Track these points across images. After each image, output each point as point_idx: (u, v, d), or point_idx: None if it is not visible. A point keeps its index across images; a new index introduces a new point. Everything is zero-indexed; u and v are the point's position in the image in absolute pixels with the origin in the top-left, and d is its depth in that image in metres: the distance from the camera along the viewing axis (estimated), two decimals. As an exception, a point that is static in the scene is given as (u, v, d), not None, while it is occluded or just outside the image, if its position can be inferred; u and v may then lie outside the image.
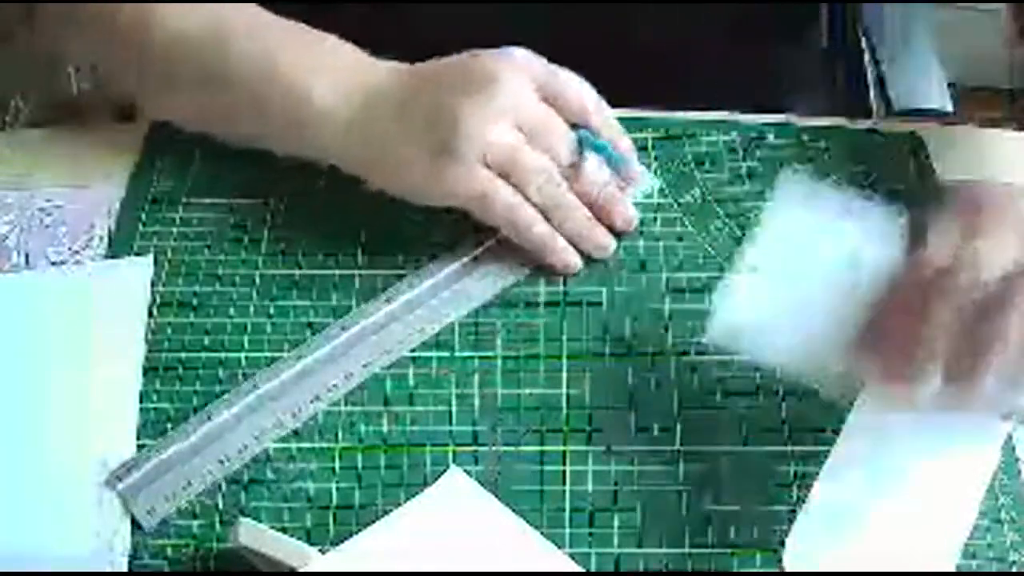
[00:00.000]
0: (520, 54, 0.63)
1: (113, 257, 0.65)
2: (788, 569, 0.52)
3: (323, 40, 0.66)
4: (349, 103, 0.63)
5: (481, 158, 0.61)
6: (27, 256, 0.66)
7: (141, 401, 0.60)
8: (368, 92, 0.63)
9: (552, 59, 0.71)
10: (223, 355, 0.62)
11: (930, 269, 0.51)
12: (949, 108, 0.87)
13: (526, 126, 0.62)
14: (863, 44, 0.92)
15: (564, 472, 0.58)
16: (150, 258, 0.65)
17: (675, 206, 0.68)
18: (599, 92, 0.71)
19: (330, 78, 0.64)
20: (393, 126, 0.63)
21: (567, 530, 0.56)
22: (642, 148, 0.70)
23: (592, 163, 0.64)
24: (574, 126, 0.64)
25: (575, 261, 0.64)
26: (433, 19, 0.76)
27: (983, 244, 0.52)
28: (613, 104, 0.72)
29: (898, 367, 0.51)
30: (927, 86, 0.89)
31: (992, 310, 0.49)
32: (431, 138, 0.61)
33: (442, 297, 0.63)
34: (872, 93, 0.90)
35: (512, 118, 0.62)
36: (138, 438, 0.58)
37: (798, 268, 0.56)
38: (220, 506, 0.56)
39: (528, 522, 0.55)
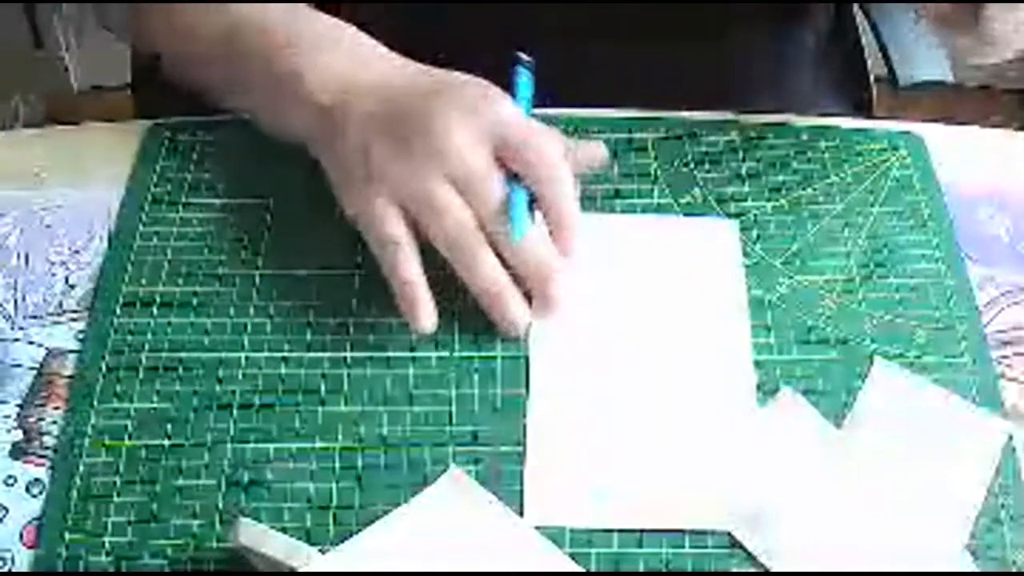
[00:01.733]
0: (499, 101, 0.61)
1: (113, 257, 0.65)
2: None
3: (327, 27, 0.66)
4: (329, 91, 0.63)
5: (394, 192, 0.60)
6: (27, 256, 0.66)
7: (141, 401, 0.60)
8: (352, 86, 0.63)
9: (552, 58, 0.71)
10: (223, 355, 0.62)
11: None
12: (951, 78, 0.88)
13: (458, 173, 0.59)
14: (864, 26, 0.93)
15: (564, 472, 0.58)
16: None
17: (675, 206, 0.68)
18: (599, 91, 0.71)
19: (322, 64, 0.64)
20: (356, 126, 0.62)
21: (567, 530, 0.56)
22: (642, 148, 0.71)
23: (528, 228, 0.60)
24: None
25: (429, 322, 0.60)
26: (437, 20, 0.76)
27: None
28: (614, 104, 0.73)
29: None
30: (929, 58, 0.89)
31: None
32: (365, 156, 0.61)
33: None
34: (871, 79, 0.90)
35: (445, 165, 0.59)
36: (138, 439, 0.58)
37: None
38: (220, 506, 0.56)
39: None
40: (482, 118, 0.60)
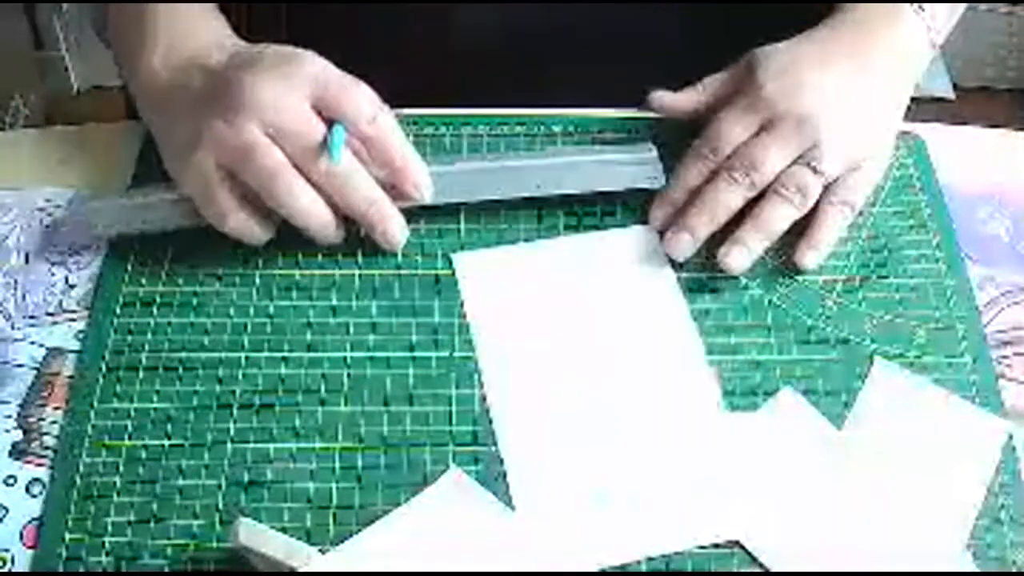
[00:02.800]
0: (308, 59, 0.63)
1: (113, 257, 0.65)
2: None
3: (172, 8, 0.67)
4: (168, 67, 0.65)
5: (216, 151, 0.61)
6: (27, 256, 0.66)
7: (141, 401, 0.60)
8: (189, 61, 0.65)
9: (552, 58, 0.71)
10: (223, 355, 0.62)
11: (714, 155, 0.65)
12: (951, 96, 0.88)
13: (272, 123, 0.61)
14: None
15: (564, 472, 0.58)
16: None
17: (675, 206, 0.68)
18: (600, 91, 0.71)
19: (163, 44, 0.65)
20: (186, 100, 0.64)
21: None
22: (642, 148, 0.71)
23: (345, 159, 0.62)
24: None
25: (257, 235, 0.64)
26: (430, 20, 0.76)
27: (768, 140, 0.64)
28: (614, 104, 0.73)
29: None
30: (930, 74, 0.89)
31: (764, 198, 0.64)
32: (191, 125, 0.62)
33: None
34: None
35: (259, 118, 0.61)
36: (138, 438, 0.59)
37: None
38: (220, 506, 0.56)
39: (528, 522, 0.56)
40: (293, 75, 0.62)
